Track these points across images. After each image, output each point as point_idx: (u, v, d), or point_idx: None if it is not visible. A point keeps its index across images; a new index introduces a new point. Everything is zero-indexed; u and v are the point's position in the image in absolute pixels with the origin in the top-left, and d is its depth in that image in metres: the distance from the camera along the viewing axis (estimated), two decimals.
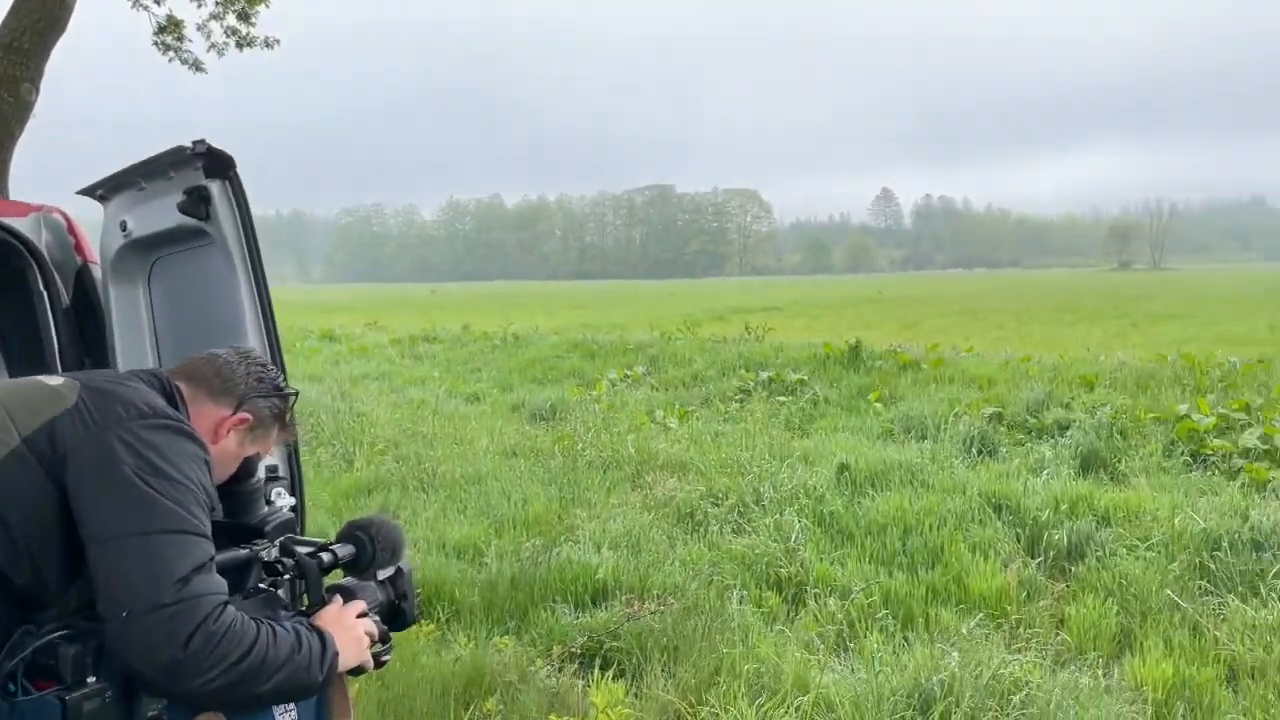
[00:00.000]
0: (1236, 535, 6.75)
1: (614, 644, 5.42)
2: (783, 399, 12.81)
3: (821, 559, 6.90)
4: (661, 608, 5.55)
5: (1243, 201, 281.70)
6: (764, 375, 13.96)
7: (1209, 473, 8.73)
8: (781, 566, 6.72)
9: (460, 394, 15.31)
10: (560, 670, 5.23)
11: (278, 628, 1.99)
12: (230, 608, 1.92)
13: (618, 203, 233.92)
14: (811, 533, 7.35)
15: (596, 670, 5.17)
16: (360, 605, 2.25)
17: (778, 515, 7.59)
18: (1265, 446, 9.16)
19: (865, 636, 5.56)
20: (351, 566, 2.33)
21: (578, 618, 5.85)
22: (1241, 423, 9.96)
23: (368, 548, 2.31)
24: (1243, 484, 8.23)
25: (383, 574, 2.35)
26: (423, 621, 5.90)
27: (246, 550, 2.25)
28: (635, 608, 5.43)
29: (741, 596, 6.15)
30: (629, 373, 15.75)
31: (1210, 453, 9.16)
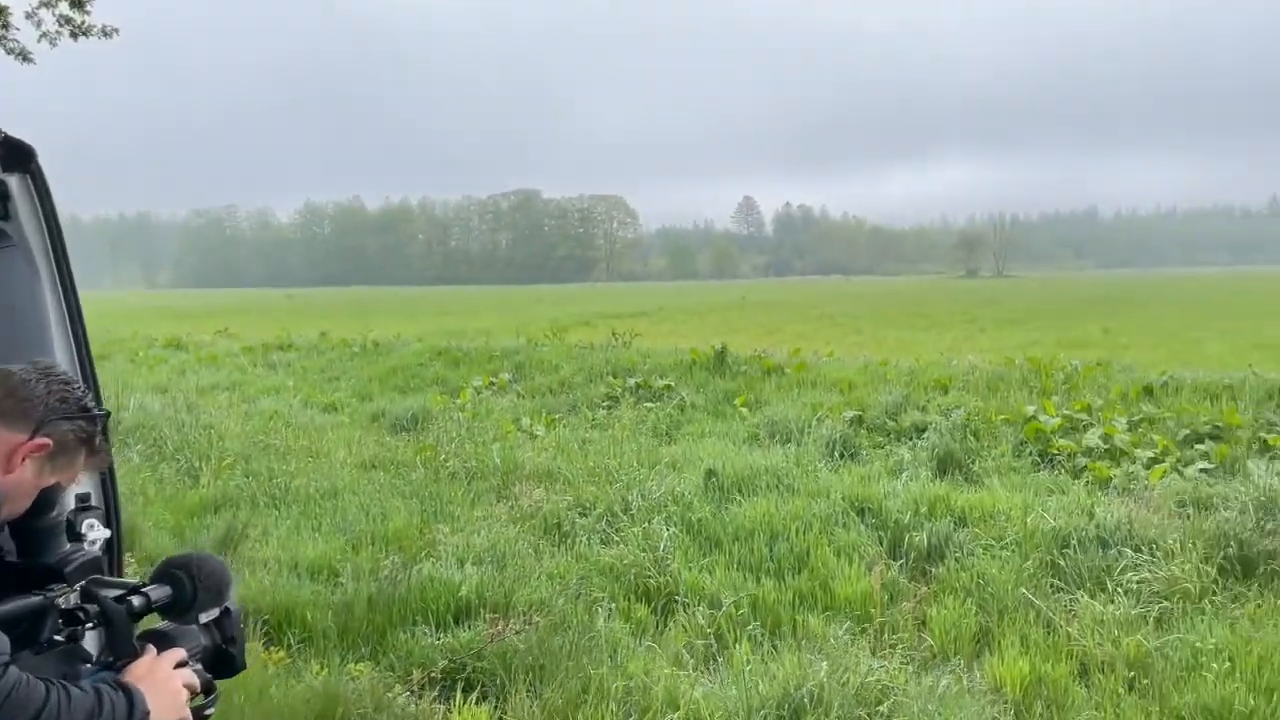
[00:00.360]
0: (1084, 533, 7.02)
1: (477, 665, 5.20)
2: (650, 405, 12.76)
3: (690, 567, 6.84)
4: (527, 625, 5.35)
5: (1077, 213, 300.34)
6: (632, 381, 13.89)
7: (1056, 472, 9.08)
8: (650, 577, 6.62)
9: (316, 404, 14.69)
10: (420, 696, 4.97)
11: (73, 688, 1.72)
12: (12, 669, 1.64)
13: (483, 207, 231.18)
14: (680, 541, 7.28)
15: (459, 694, 4.94)
16: (178, 654, 1.98)
17: (646, 524, 7.48)
18: (1106, 446, 9.61)
19: (735, 647, 5.50)
20: (169, 609, 2.05)
21: (439, 638, 5.59)
22: (1084, 423, 10.43)
23: (187, 587, 2.03)
24: (1087, 482, 8.60)
25: (205, 616, 2.07)
26: (272, 649, 5.53)
27: (40, 597, 1.95)
28: (499, 627, 5.20)
29: (610, 610, 6.01)
30: (494, 380, 15.44)
31: (1056, 452, 9.54)
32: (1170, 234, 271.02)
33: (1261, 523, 6.83)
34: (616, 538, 7.36)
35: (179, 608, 2.04)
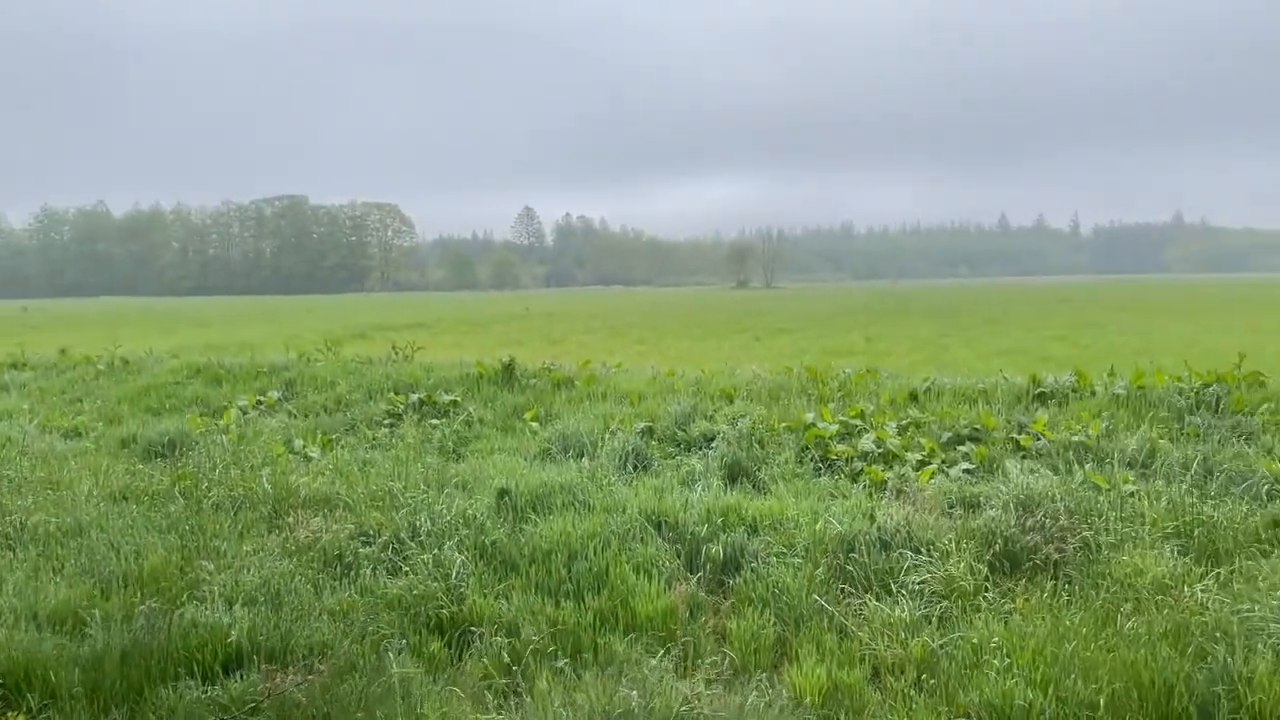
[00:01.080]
0: (867, 536, 7.26)
1: None
2: (436, 422, 12.26)
3: (485, 594, 6.53)
4: (309, 674, 4.88)
5: (835, 228, 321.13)
6: (415, 397, 13.32)
7: (836, 476, 9.39)
8: (443, 607, 6.28)
9: (57, 429, 13.18)
10: None
11: None
12: None
13: (244, 213, 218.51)
14: (474, 566, 6.95)
15: None
16: None
17: (436, 550, 7.10)
18: (880, 450, 10.05)
19: (536, 678, 5.26)
20: None
21: (207, 692, 5.02)
22: (858, 428, 10.89)
23: None
24: (865, 485, 8.94)
25: None
26: (9, 715, 4.80)
27: None
28: (278, 678, 4.71)
29: (401, 647, 5.61)
30: (262, 399, 14.40)
31: (835, 457, 9.89)
32: (916, 249, 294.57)
33: (1022, 520, 7.27)
34: (405, 567, 6.93)
35: None
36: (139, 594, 6.43)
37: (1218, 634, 5.42)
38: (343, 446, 11.17)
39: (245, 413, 13.58)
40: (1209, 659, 5.20)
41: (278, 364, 17.31)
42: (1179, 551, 6.85)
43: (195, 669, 5.27)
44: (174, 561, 7.09)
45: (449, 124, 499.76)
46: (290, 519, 7.93)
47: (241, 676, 5.15)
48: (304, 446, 11.17)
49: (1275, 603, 5.55)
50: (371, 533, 7.68)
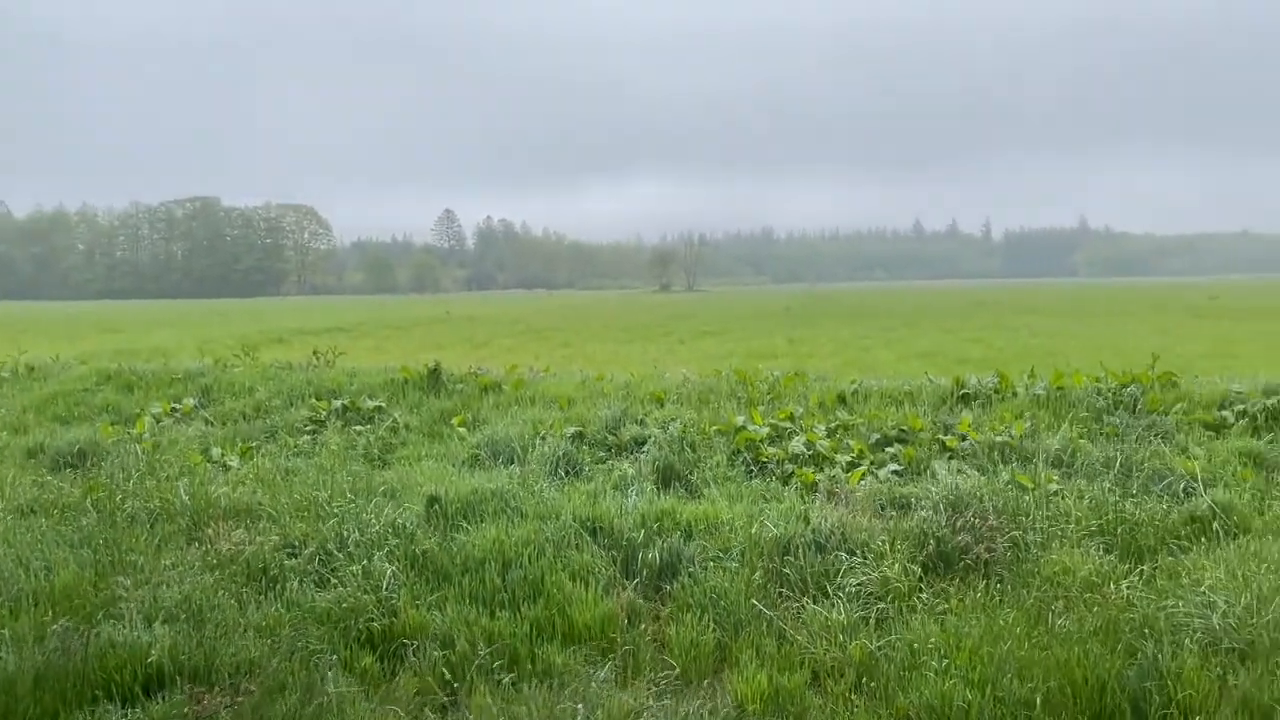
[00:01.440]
0: (802, 539, 7.26)
1: None
2: (360, 428, 11.97)
3: (418, 605, 6.36)
4: (238, 696, 4.66)
5: (756, 233, 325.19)
6: (338, 403, 12.98)
7: (768, 479, 9.41)
8: (374, 620, 6.09)
9: None
10: None
11: None
12: None
13: (154, 215, 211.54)
14: (405, 577, 6.76)
15: None
16: None
17: (366, 561, 6.89)
18: (810, 452, 10.11)
19: (475, 692, 5.12)
20: None
21: (127, 715, 4.77)
22: (788, 431, 10.94)
23: None
24: (796, 487, 8.96)
25: None
26: None
27: None
28: (204, 701, 4.49)
29: (332, 663, 5.42)
30: (177, 406, 13.88)
31: (767, 460, 9.92)
32: (834, 253, 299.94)
33: (952, 520, 7.37)
34: (333, 579, 6.70)
35: None
36: (50, 612, 6.10)
37: (1146, 630, 5.55)
38: (264, 455, 10.82)
39: (159, 421, 13.08)
40: (1138, 655, 5.32)
41: (193, 370, 16.73)
42: (1104, 549, 7.01)
43: (114, 691, 5.01)
44: (87, 578, 6.75)
45: (367, 126, 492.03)
46: (211, 531, 7.61)
47: (164, 698, 4.91)
48: (223, 455, 10.79)
49: (1198, 598, 5.71)
50: (297, 544, 7.43)
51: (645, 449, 10.42)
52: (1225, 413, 10.61)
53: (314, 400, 13.55)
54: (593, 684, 5.14)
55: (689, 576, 6.84)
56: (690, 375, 14.54)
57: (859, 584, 6.60)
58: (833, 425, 11.16)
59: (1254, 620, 5.42)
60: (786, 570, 6.88)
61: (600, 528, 7.73)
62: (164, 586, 6.47)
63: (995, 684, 5.15)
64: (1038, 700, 5.00)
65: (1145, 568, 6.59)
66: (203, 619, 5.93)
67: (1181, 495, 8.17)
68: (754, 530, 7.47)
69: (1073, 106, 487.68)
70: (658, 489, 9.10)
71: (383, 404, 13.08)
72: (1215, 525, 7.29)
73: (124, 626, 5.78)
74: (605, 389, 13.68)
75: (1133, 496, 8.03)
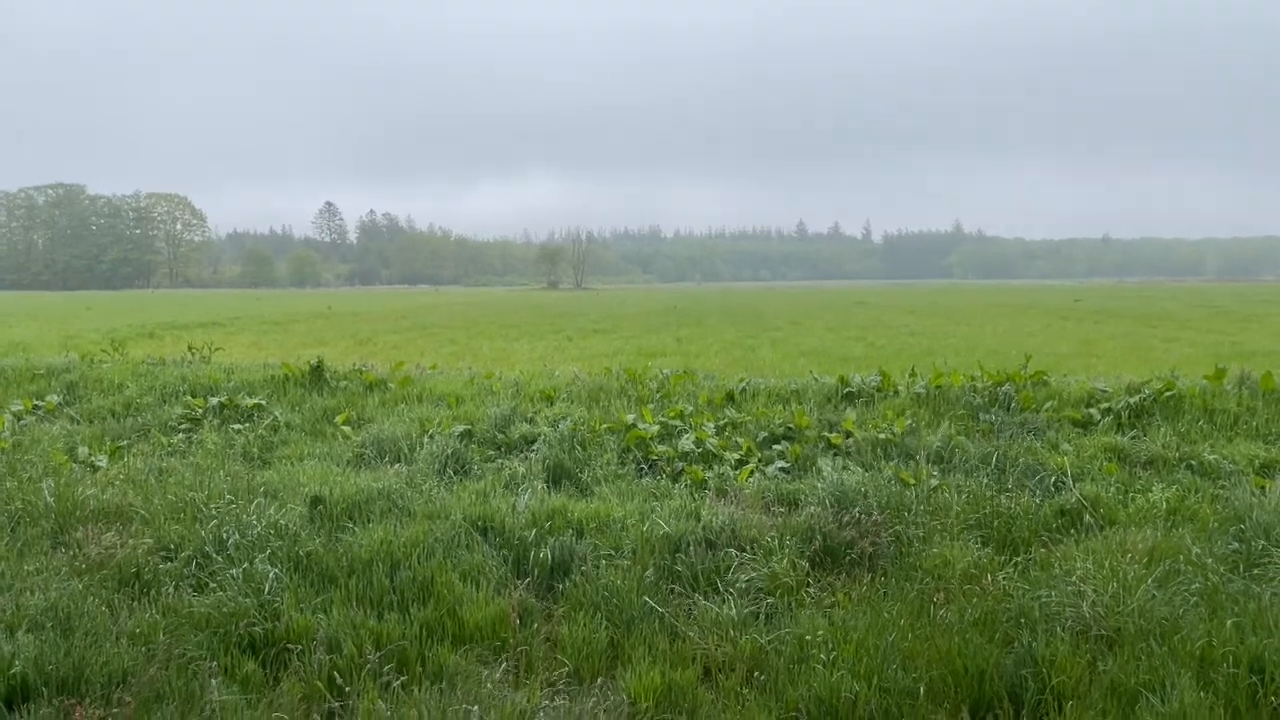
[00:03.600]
0: (693, 536, 7.34)
1: None
2: (238, 427, 11.55)
3: (302, 609, 6.17)
4: (113, 708, 4.43)
5: (644, 232, 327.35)
6: (214, 401, 12.49)
7: (658, 477, 9.47)
8: (256, 625, 5.89)
9: None
10: None
11: None
12: None
13: (12, 202, 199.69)
14: (288, 580, 6.55)
15: None
16: None
17: (246, 564, 6.66)
18: (699, 450, 10.21)
19: (363, 696, 4.99)
20: None
21: None
22: (678, 429, 11.04)
23: None
24: (686, 485, 9.05)
25: None
26: None
27: None
28: (75, 713, 4.25)
29: (212, 670, 5.20)
30: (40, 403, 13.14)
31: (657, 458, 9.98)
32: (720, 253, 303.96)
33: (839, 516, 7.55)
34: (212, 583, 6.46)
35: None
36: None
37: (1021, 620, 5.79)
38: (135, 454, 10.33)
39: (20, 419, 12.37)
40: (1015, 644, 5.54)
41: (56, 365, 15.88)
42: (982, 542, 7.29)
43: None
44: None
45: (246, 116, 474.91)
46: (78, 534, 7.21)
47: (30, 711, 4.62)
48: (90, 455, 10.27)
49: (1070, 588, 5.98)
50: (173, 547, 7.13)
51: (535, 447, 10.38)
52: (1092, 410, 11.18)
53: (189, 397, 13.04)
54: (485, 684, 5.07)
55: (581, 575, 6.82)
56: (580, 373, 14.53)
57: (749, 579, 6.69)
58: (721, 423, 11.31)
59: (1120, 608, 5.72)
60: (678, 567, 6.93)
61: (491, 527, 7.65)
62: (27, 593, 6.10)
63: (881, 675, 5.29)
64: (921, 690, 5.17)
65: (1020, 559, 6.89)
66: (71, 627, 5.61)
67: (1052, 489, 8.57)
68: (645, 528, 7.50)
69: (950, 113, 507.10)
70: (548, 487, 9.06)
71: (262, 402, 12.66)
72: (1085, 518, 7.67)
73: None
74: (494, 387, 13.57)
75: (1008, 491, 8.38)
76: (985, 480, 8.65)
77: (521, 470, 9.55)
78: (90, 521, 7.56)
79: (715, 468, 9.63)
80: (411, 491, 8.61)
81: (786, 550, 7.00)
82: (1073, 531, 7.44)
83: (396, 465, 9.77)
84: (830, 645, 5.66)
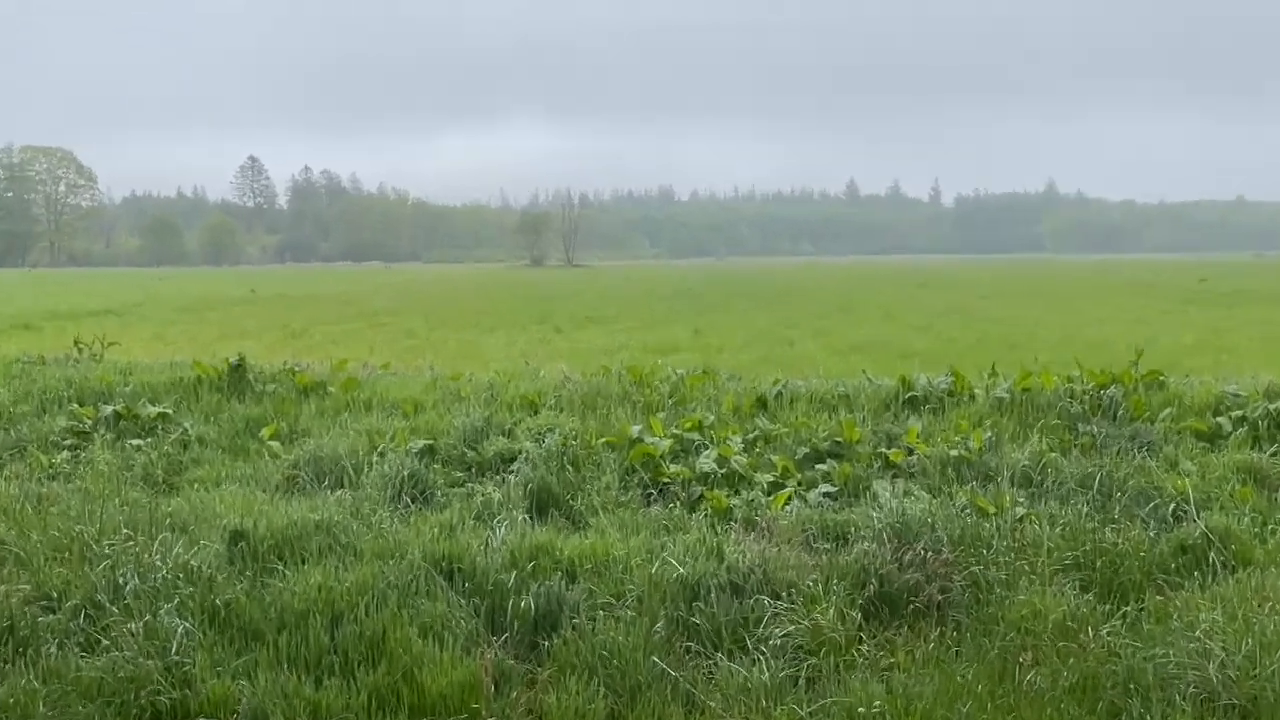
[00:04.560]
0: (715, 579, 7.37)
1: None
2: (138, 442, 11.65)
3: (220, 673, 6.25)
4: None
5: (652, 194, 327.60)
6: (108, 410, 12.60)
7: (670, 504, 9.51)
8: (161, 693, 5.98)
9: None
10: None
11: None
12: None
13: None
14: (202, 636, 6.63)
15: None
16: None
17: (149, 616, 6.73)
18: (723, 470, 10.26)
19: None
20: None
21: None
22: (696, 444, 11.07)
23: None
24: (706, 515, 9.08)
25: None
26: None
27: None
28: None
29: None
30: None
31: (669, 480, 10.01)
32: (749, 219, 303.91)
33: (899, 554, 7.57)
34: (105, 640, 6.53)
35: None
36: None
37: (1131, 685, 5.81)
38: (7, 477, 10.42)
39: None
40: (1122, 716, 5.56)
41: None
42: (1080, 587, 7.30)
43: None
44: None
45: (147, 49, 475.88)
46: None
47: None
48: None
49: (1192, 645, 5.99)
50: (56, 595, 7.23)
51: (515, 467, 10.43)
52: (1221, 419, 11.19)
53: (75, 406, 13.18)
54: None
55: (573, 629, 6.86)
56: (572, 374, 14.60)
57: (785, 635, 6.72)
58: (751, 436, 11.36)
59: (1257, 671, 5.73)
60: (695, 619, 6.96)
61: (459, 569, 7.70)
62: None
63: None
64: None
65: (1129, 609, 6.90)
66: None
67: (1171, 520, 8.58)
68: (654, 570, 7.53)
69: (1038, 58, 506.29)
70: (531, 519, 9.11)
71: (168, 410, 12.79)
72: (1211, 556, 7.67)
73: None
74: (463, 391, 13.66)
75: (1114, 522, 8.39)
76: (1085, 509, 8.65)
77: (497, 497, 9.60)
78: None
79: (743, 493, 9.68)
80: (358, 524, 8.67)
81: (833, 597, 7.02)
82: (1196, 574, 7.44)
83: (339, 491, 9.82)
84: (889, 718, 5.68)
